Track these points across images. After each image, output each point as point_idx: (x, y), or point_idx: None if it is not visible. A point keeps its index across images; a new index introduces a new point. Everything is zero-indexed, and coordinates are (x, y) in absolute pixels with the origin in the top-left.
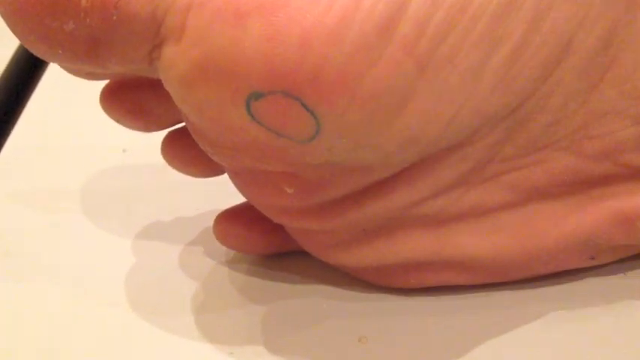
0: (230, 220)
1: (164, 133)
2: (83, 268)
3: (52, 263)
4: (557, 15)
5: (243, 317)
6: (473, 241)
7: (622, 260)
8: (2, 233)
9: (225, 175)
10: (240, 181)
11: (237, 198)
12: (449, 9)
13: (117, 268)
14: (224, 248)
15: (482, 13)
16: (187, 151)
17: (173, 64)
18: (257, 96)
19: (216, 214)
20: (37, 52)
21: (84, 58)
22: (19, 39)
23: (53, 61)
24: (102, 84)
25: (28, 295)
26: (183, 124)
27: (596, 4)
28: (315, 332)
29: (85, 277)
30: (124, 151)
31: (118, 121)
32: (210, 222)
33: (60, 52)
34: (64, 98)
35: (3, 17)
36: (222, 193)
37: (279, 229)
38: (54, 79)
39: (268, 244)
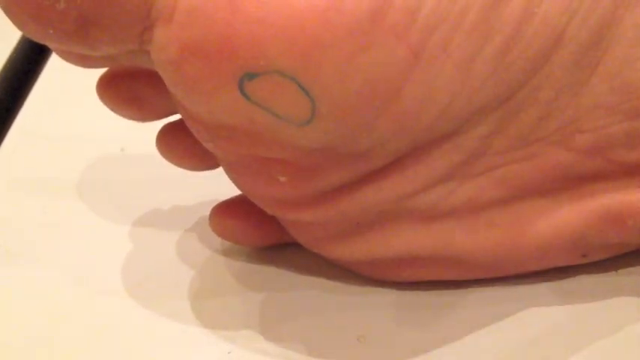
0: (226, 212)
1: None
2: (82, 260)
3: (52, 256)
4: (550, 7)
5: (241, 313)
6: (465, 237)
7: (613, 258)
8: (2, 232)
9: (221, 168)
10: (234, 171)
11: (233, 190)
12: None
13: (115, 260)
14: (221, 240)
15: (472, 4)
16: (182, 144)
17: (164, 45)
18: (250, 76)
19: (213, 205)
20: (29, 32)
21: (74, 38)
22: (11, 19)
23: (44, 42)
24: None
25: (27, 287)
26: (178, 115)
27: None
28: (315, 332)
29: (84, 269)
30: (122, 150)
31: (114, 110)
32: (207, 213)
33: (51, 31)
34: (63, 95)
35: None
36: (218, 185)
37: (275, 221)
38: (53, 76)
39: (264, 236)
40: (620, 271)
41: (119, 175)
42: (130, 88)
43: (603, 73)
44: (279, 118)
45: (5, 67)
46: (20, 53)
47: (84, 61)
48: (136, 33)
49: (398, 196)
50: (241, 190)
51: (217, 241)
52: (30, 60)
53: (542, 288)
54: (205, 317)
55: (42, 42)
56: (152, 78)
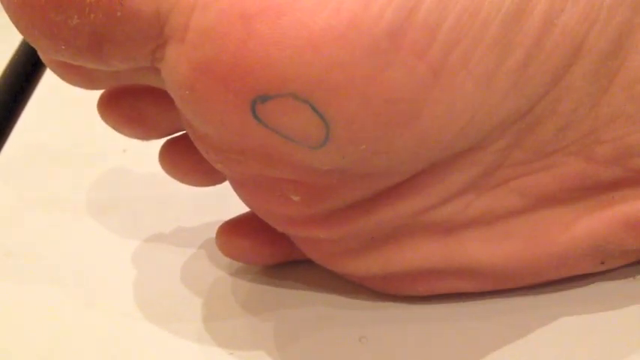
0: (233, 231)
1: None
2: (85, 270)
3: (53, 264)
4: (569, 18)
5: (245, 322)
6: (482, 248)
7: (631, 264)
8: (3, 234)
9: (227, 184)
10: (245, 191)
11: (240, 206)
12: (459, 15)
13: (117, 270)
14: (228, 260)
15: (493, 19)
16: (186, 160)
17: (175, 64)
18: (263, 99)
19: (220, 218)
20: (40, 47)
21: (87, 54)
22: (22, 33)
23: (56, 57)
24: None
25: (28, 296)
26: (181, 132)
27: (605, 7)
28: (317, 333)
29: (87, 278)
30: (124, 151)
31: (115, 128)
32: (214, 228)
33: (63, 47)
34: (64, 98)
35: (7, 11)
36: (223, 202)
37: (282, 239)
38: (54, 79)
39: (272, 254)
40: (638, 277)
41: (123, 182)
42: (132, 107)
43: (622, 83)
44: (291, 141)
45: (6, 70)
46: (21, 57)
47: (86, 82)
48: (149, 50)
49: (414, 211)
50: (250, 208)
51: (225, 260)
52: (31, 63)
53: (558, 296)
54: (215, 337)
55: (53, 57)
56: (154, 96)
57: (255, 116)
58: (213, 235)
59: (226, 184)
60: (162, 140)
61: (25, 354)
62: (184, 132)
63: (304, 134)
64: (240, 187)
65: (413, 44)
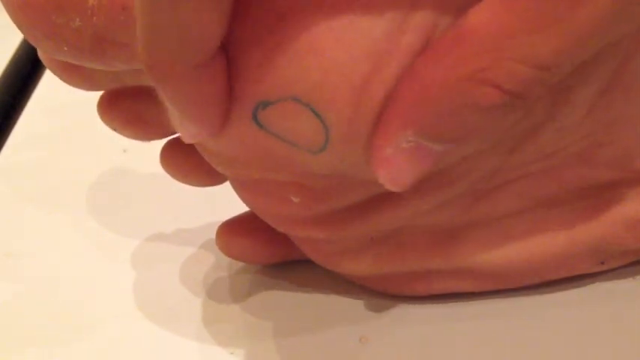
0: (233, 230)
1: None
2: (85, 270)
3: (53, 264)
4: None
5: (245, 322)
6: (482, 249)
7: (631, 264)
8: (3, 234)
9: (228, 183)
10: (246, 191)
11: (240, 206)
12: (456, 16)
13: (117, 270)
14: (228, 260)
15: None
16: (187, 160)
17: None
18: (265, 104)
19: (220, 218)
20: (43, 48)
21: (89, 55)
22: (25, 34)
23: (57, 57)
24: None
25: (28, 296)
26: None
27: None
28: (317, 333)
29: (87, 278)
30: (124, 151)
31: (117, 130)
32: (214, 228)
33: (65, 48)
34: (64, 98)
35: (9, 12)
36: (226, 196)
37: (282, 238)
38: (54, 80)
39: (272, 253)
40: (638, 277)
41: (123, 183)
42: (132, 108)
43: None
44: (292, 146)
45: (6, 70)
46: (21, 57)
47: (86, 83)
48: None
49: (413, 213)
50: (251, 208)
51: (225, 260)
52: (31, 63)
53: (557, 297)
54: (215, 337)
55: (55, 57)
56: (155, 97)
57: (257, 122)
58: (213, 235)
59: (226, 184)
60: (163, 140)
61: (25, 354)
62: None
63: (305, 138)
64: (240, 188)
65: (410, 45)
